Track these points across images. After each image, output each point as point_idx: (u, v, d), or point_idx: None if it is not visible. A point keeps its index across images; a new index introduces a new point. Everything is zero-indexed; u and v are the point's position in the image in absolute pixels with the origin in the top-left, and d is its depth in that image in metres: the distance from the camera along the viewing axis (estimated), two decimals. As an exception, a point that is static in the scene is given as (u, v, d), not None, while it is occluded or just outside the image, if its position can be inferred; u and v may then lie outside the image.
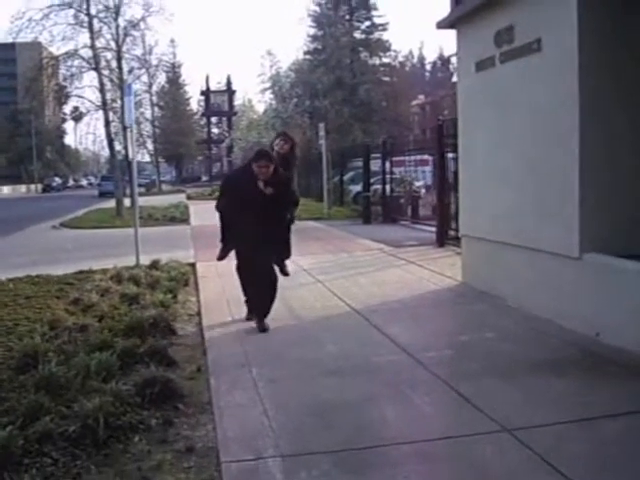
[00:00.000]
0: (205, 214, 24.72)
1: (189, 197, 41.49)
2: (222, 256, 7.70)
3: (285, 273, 7.89)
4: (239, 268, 7.41)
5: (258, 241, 6.94)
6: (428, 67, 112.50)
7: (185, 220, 23.15)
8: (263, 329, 7.03)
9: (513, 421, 4.39)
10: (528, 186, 7.50)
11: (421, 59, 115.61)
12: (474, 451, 4.08)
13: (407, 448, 4.15)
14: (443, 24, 9.53)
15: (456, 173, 10.94)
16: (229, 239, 7.52)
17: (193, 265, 11.51)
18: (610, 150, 6.61)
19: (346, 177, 25.99)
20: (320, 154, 22.92)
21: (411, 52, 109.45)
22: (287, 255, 8.12)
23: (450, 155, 13.22)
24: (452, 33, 9.46)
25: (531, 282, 7.46)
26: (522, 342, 6.37)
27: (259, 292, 7.25)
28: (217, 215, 7.57)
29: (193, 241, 15.96)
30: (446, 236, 13.27)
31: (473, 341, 6.51)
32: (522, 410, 4.63)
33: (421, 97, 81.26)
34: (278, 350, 6.35)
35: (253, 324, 7.16)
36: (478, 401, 4.78)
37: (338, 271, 10.68)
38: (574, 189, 6.63)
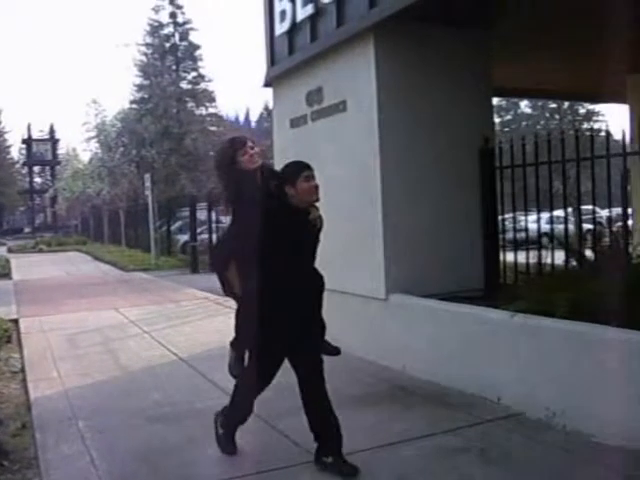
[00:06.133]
0: (29, 268, 23.91)
1: (10, 250, 39.59)
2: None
3: (336, 351, 5.14)
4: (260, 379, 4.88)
5: (311, 320, 4.79)
6: (255, 117, 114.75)
7: (6, 275, 22.19)
8: None
9: (325, 451, 4.80)
10: (339, 234, 8.05)
11: (247, 109, 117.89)
12: (288, 480, 4.48)
13: (227, 483, 4.48)
14: (264, 82, 10.07)
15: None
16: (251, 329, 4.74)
17: (16, 321, 11.21)
18: (410, 199, 7.33)
19: (174, 227, 26.02)
20: (147, 204, 22.89)
21: (238, 105, 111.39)
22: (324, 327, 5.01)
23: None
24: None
25: (344, 323, 7.93)
26: (336, 379, 6.71)
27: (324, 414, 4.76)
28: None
29: (15, 296, 15.44)
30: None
31: (290, 381, 6.88)
32: (333, 440, 5.07)
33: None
34: (104, 401, 6.46)
35: (78, 377, 7.13)
36: (295, 435, 5.18)
37: (165, 321, 10.84)
38: (378, 235, 7.28)
